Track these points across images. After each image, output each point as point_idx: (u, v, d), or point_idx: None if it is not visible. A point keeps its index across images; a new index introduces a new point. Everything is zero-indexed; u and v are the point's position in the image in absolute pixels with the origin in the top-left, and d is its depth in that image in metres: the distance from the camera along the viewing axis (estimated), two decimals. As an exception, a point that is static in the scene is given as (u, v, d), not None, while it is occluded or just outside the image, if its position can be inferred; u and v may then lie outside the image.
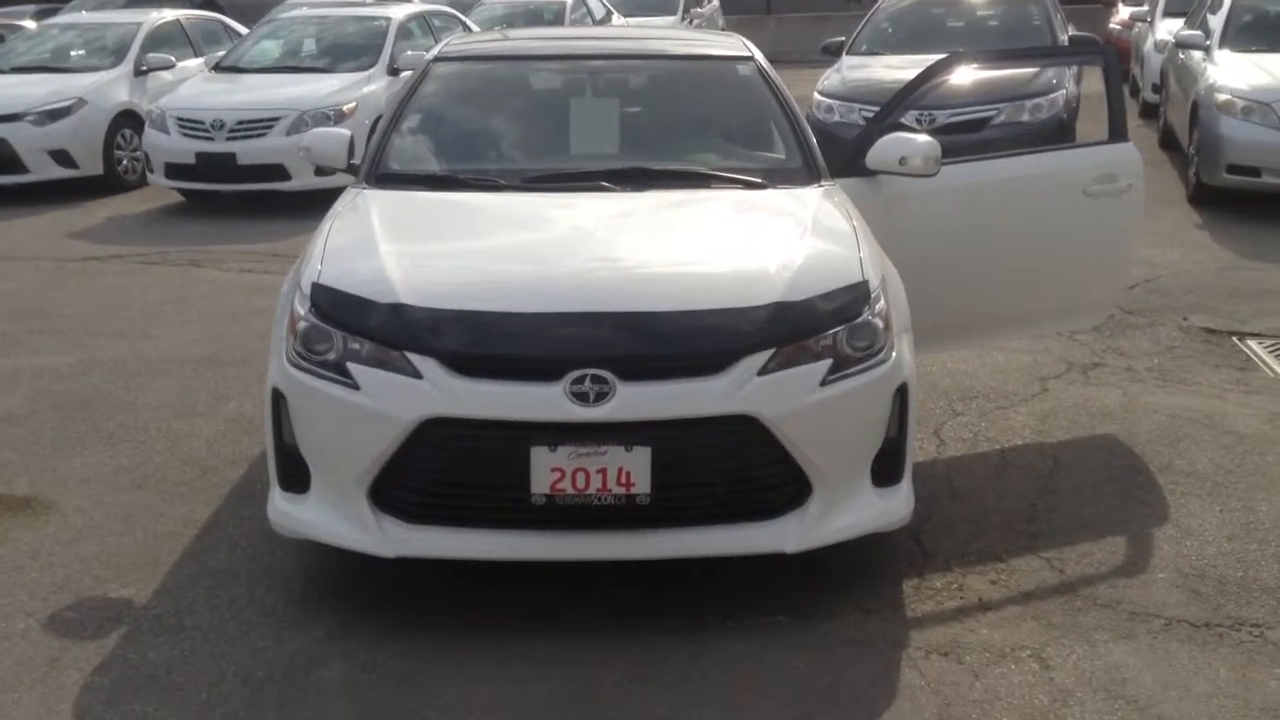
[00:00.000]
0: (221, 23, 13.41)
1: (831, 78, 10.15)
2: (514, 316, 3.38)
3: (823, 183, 4.40)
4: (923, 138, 4.55)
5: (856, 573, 3.76)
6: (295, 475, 3.51)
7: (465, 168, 4.47)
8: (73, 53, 11.99)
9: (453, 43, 5.44)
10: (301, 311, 3.54)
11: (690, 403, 3.29)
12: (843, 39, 11.00)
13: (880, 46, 10.82)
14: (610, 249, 3.78)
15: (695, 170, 4.39)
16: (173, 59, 11.76)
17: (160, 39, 12.15)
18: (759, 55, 5.01)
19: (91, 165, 10.86)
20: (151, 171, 10.27)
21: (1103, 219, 4.93)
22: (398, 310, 3.40)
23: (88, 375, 5.79)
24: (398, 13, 11.45)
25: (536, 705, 3.09)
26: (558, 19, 16.13)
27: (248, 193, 9.96)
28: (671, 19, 19.87)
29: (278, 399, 3.52)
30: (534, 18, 16.74)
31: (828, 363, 3.42)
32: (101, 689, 3.17)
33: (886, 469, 3.60)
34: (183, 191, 10.37)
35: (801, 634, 3.42)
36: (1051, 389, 5.55)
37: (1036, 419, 5.16)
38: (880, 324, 3.56)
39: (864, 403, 3.50)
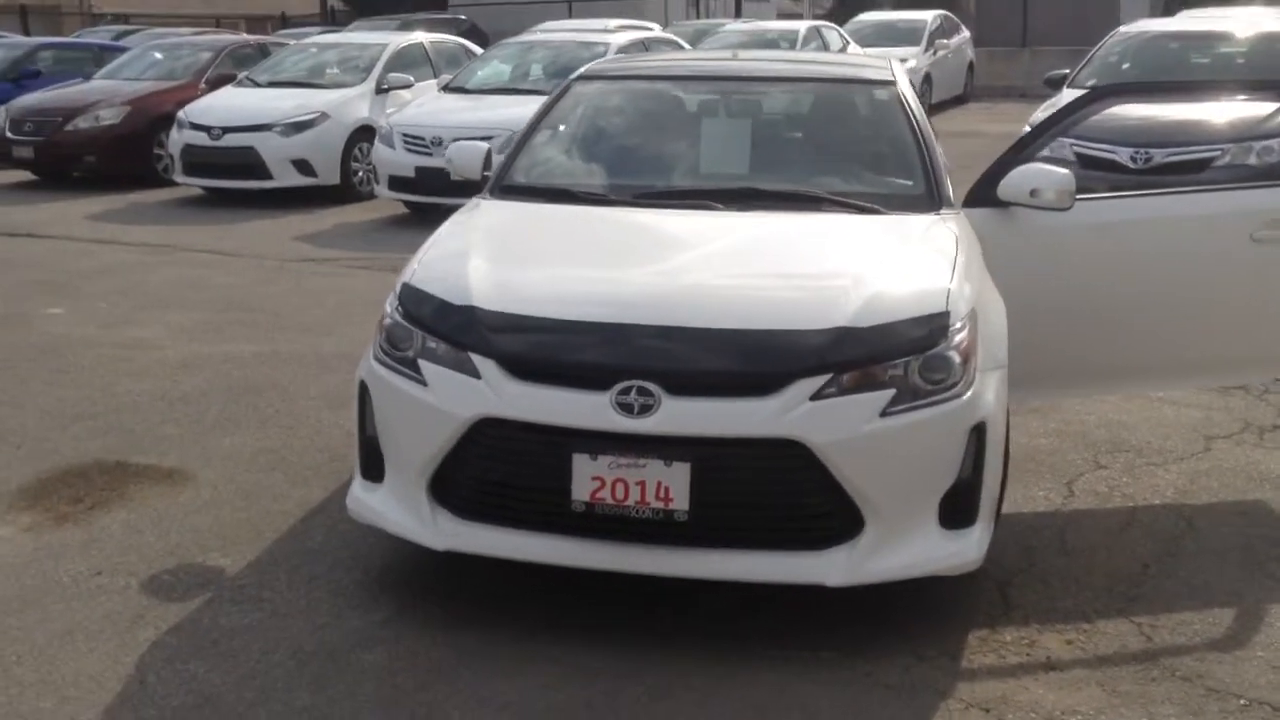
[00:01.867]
0: (464, 46, 14.12)
1: (1046, 110, 9.75)
2: (570, 324, 3.44)
3: (944, 211, 4.26)
4: (1059, 170, 4.35)
5: (923, 616, 3.61)
6: (373, 465, 3.68)
7: (582, 182, 4.57)
8: (326, 70, 12.89)
9: (600, 62, 5.57)
10: (389, 310, 3.72)
11: (734, 422, 3.25)
12: (1067, 71, 10.56)
13: (1108, 81, 10.30)
14: (686, 265, 3.78)
15: (806, 193, 4.34)
16: (411, 79, 12.46)
17: (404, 60, 12.91)
18: (903, 81, 4.91)
19: (329, 175, 11.66)
20: (378, 183, 10.92)
21: (1274, 267, 4.57)
22: (467, 312, 3.52)
23: (265, 365, 6.22)
24: (619, 38, 11.77)
25: (551, 709, 3.12)
26: (791, 49, 16.16)
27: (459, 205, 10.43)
28: (914, 49, 19.58)
29: (363, 392, 3.70)
30: (769, 46, 16.84)
31: (890, 393, 3.32)
32: (167, 647, 3.41)
33: (957, 510, 3.45)
34: (405, 203, 10.97)
35: (842, 671, 3.32)
36: (1215, 449, 5.16)
37: (1186, 479, 4.81)
38: (957, 358, 3.42)
39: (931, 438, 3.37)
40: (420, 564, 3.82)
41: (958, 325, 3.49)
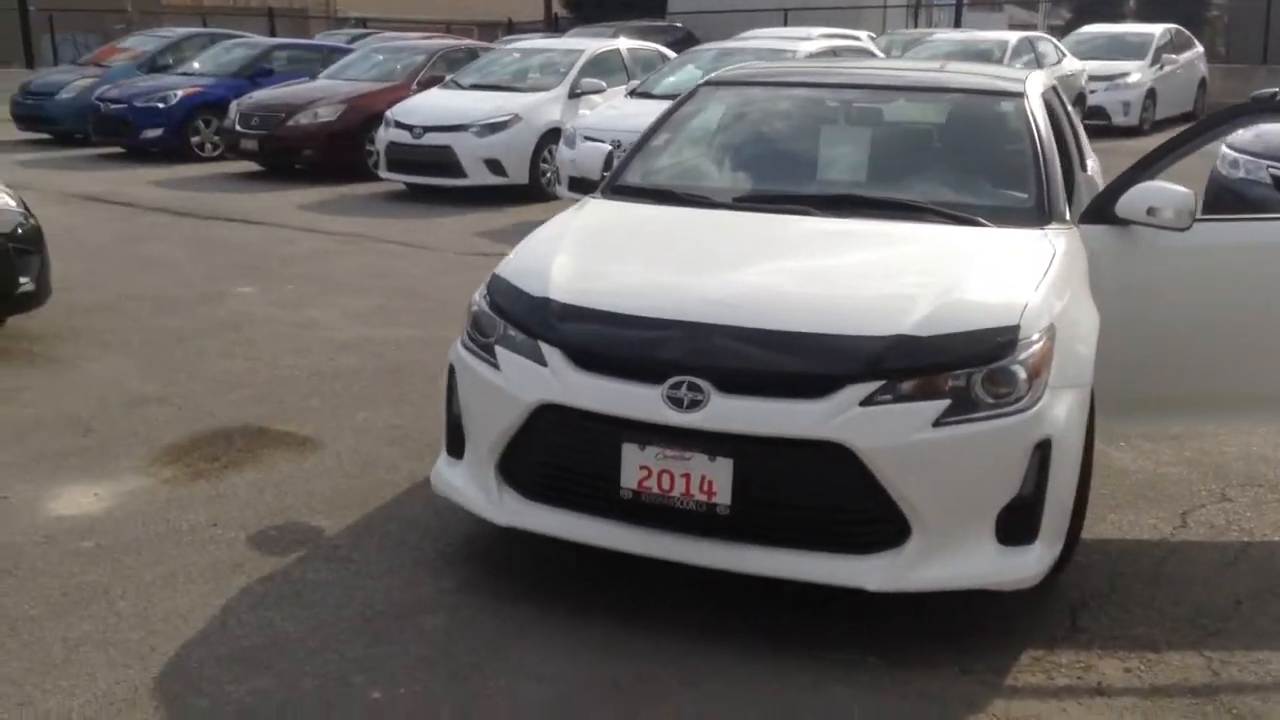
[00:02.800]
0: (659, 53, 14.38)
1: (1245, 131, 9.22)
2: (630, 318, 3.55)
3: (1053, 226, 4.17)
4: (1178, 189, 4.20)
5: (981, 632, 3.57)
6: (456, 443, 3.89)
7: (689, 184, 4.68)
8: (528, 74, 13.38)
9: (730, 69, 5.65)
10: (477, 298, 3.93)
11: (780, 422, 3.30)
12: (1276, 90, 9.95)
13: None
14: (759, 268, 3.84)
15: (907, 201, 4.32)
16: (603, 84, 12.79)
17: (600, 66, 13.27)
18: (1034, 94, 4.81)
19: (519, 174, 12.12)
20: (559, 183, 11.29)
21: None
22: (541, 303, 3.69)
23: (419, 348, 6.58)
24: (809, 46, 11.78)
25: (582, 685, 3.24)
26: (1000, 62, 15.76)
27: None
28: (1139, 63, 18.77)
29: (451, 374, 3.92)
30: (980, 58, 16.47)
31: (945, 404, 3.31)
32: (254, 594, 3.71)
33: (1015, 526, 3.40)
34: (584, 202, 11.27)
35: (881, 678, 3.32)
36: (1361, 489, 4.85)
37: (1316, 518, 4.54)
38: (1023, 373, 3.37)
39: (988, 451, 3.34)
40: (496, 540, 4.00)
41: (1030, 340, 3.43)
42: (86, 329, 6.95)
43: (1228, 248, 4.29)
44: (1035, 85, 4.93)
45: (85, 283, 8.18)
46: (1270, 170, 8.54)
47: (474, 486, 3.75)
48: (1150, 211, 4.19)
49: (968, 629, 3.58)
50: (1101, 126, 17.17)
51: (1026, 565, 3.40)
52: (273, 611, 3.60)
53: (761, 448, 3.32)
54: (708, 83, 5.23)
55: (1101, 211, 4.35)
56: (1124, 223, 4.28)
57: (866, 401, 3.29)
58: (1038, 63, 16.49)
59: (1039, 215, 4.23)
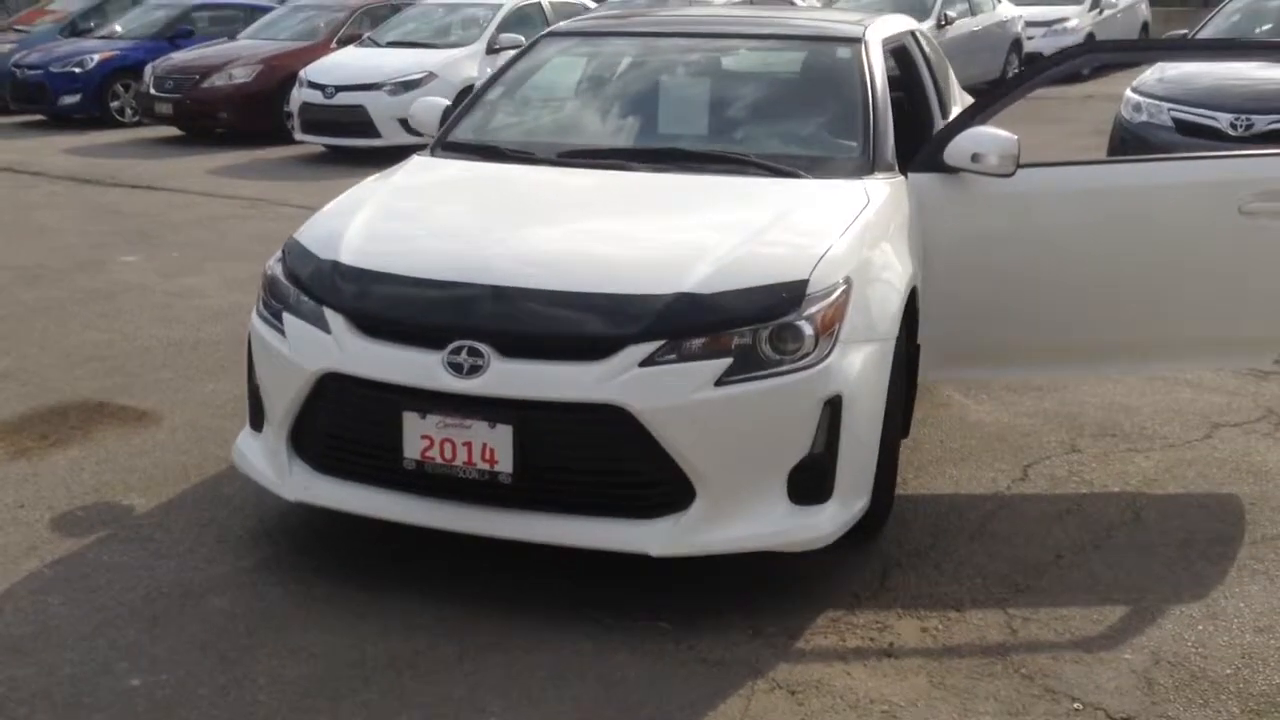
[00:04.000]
0: (584, 6, 14.14)
1: (1148, 74, 9.14)
2: (414, 280, 3.43)
3: (877, 176, 4.06)
4: (1001, 133, 4.09)
5: (782, 594, 3.50)
6: (257, 415, 3.77)
7: (515, 140, 4.55)
8: (450, 30, 13.13)
9: (572, 20, 5.50)
10: (271, 262, 3.80)
11: (558, 386, 3.19)
12: (1185, 32, 9.86)
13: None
14: (562, 227, 3.73)
15: (727, 154, 4.21)
16: (522, 39, 12.55)
17: (523, 20, 13.03)
18: (874, 41, 4.68)
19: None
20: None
21: (1266, 243, 4.22)
22: (327, 267, 3.57)
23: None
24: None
25: (356, 663, 3.14)
26: (929, 9, 15.54)
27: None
28: (1077, 8, 18.63)
29: (249, 343, 3.80)
30: (913, 7, 16.24)
31: (726, 362, 3.20)
32: (40, 579, 3.58)
33: (807, 485, 3.31)
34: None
35: (667, 643, 3.24)
36: (1217, 437, 4.81)
37: (1162, 468, 4.49)
38: (809, 329, 3.27)
39: (774, 410, 3.24)
40: (307, 516, 3.89)
41: (819, 294, 3.33)
42: (-49, 303, 6.77)
43: (1048, 194, 4.20)
44: (877, 32, 4.79)
45: (-36, 255, 7.99)
46: (1172, 113, 8.47)
47: (267, 460, 3.64)
48: (974, 158, 4.10)
49: (771, 592, 3.51)
50: (1038, 72, 17.01)
51: (819, 525, 3.32)
52: (53, 596, 3.49)
53: (541, 413, 3.21)
54: (550, 33, 5.08)
55: (932, 160, 4.24)
56: (953, 170, 4.19)
57: (646, 362, 3.19)
58: (970, 10, 16.30)
59: (865, 166, 4.12)
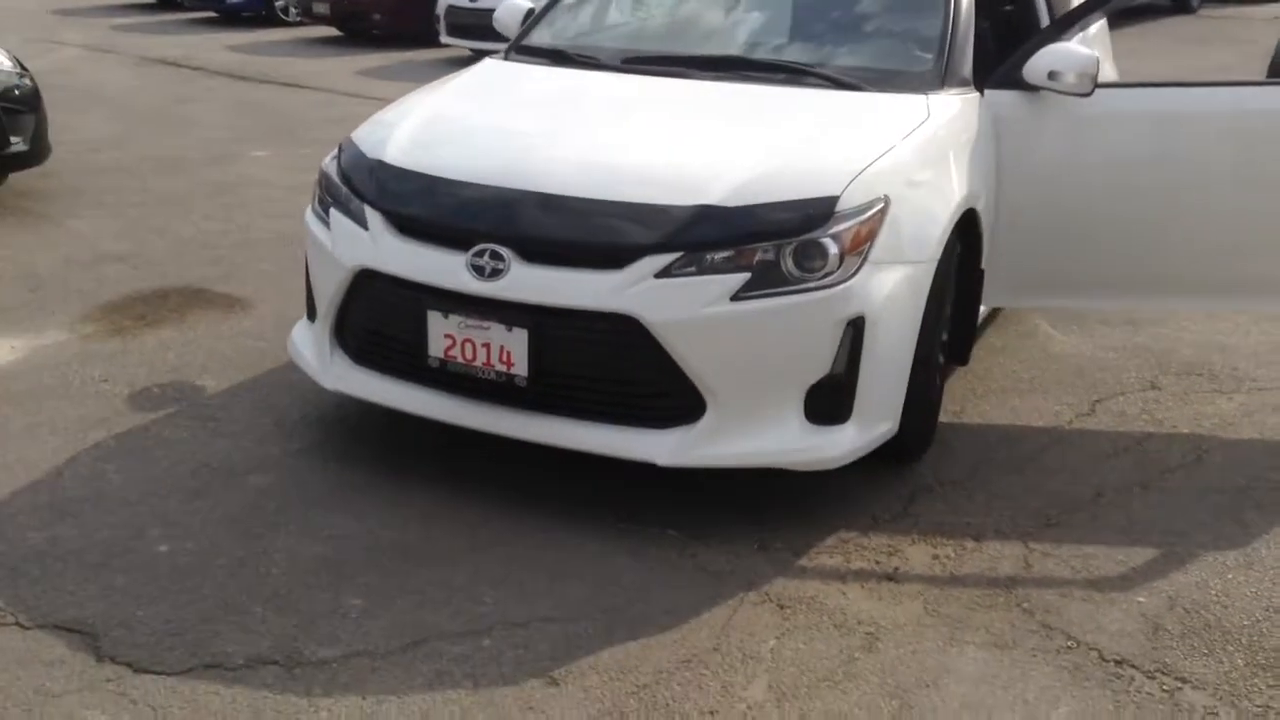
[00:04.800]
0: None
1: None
2: (449, 182, 3.48)
3: (947, 91, 3.91)
4: (1081, 50, 3.90)
5: (803, 511, 3.49)
6: (311, 306, 3.92)
7: (584, 45, 4.53)
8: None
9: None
10: (327, 159, 3.91)
11: (572, 293, 3.22)
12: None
13: None
14: (603, 133, 3.71)
15: (788, 64, 4.10)
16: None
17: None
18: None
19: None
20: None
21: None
22: (372, 165, 3.65)
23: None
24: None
25: (368, 547, 3.27)
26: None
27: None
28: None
29: (307, 236, 3.93)
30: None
31: (744, 277, 3.17)
32: (104, 449, 3.82)
33: (825, 405, 3.28)
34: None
35: (670, 552, 3.27)
36: (1312, 383, 4.53)
37: (1242, 413, 4.28)
38: (834, 246, 3.21)
39: (791, 327, 3.21)
40: (363, 409, 4.02)
41: (849, 211, 3.26)
42: (90, 188, 7.16)
43: (1127, 116, 3.98)
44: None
45: (113, 144, 8.43)
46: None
47: (313, 350, 3.78)
48: (1051, 75, 3.91)
49: (786, 509, 3.50)
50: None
51: (834, 444, 3.29)
52: (111, 465, 3.72)
53: (555, 319, 3.24)
54: (632, -62, 5.02)
55: (1011, 76, 4.06)
56: (1031, 88, 4.00)
57: (662, 273, 3.18)
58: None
59: (936, 81, 3.97)
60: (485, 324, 3.30)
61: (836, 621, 2.98)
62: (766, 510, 3.49)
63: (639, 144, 3.63)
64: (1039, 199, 4.06)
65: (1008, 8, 5.43)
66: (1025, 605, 3.07)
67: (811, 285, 3.20)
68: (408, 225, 3.47)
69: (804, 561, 3.25)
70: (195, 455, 3.79)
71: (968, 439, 4.02)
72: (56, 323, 4.95)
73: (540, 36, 4.65)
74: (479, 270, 3.30)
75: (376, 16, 13.59)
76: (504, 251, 3.29)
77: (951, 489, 3.68)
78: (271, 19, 15.65)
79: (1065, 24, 4.15)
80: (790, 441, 3.27)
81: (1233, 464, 3.88)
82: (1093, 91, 3.86)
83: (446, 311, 3.34)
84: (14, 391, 4.25)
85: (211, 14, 16.33)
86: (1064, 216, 4.08)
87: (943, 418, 4.09)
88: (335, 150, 3.94)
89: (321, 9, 13.92)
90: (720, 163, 3.41)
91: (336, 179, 3.76)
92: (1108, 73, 5.69)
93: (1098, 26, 5.82)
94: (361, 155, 3.74)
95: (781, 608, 3.04)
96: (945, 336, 3.90)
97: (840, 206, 3.26)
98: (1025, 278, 4.20)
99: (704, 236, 3.21)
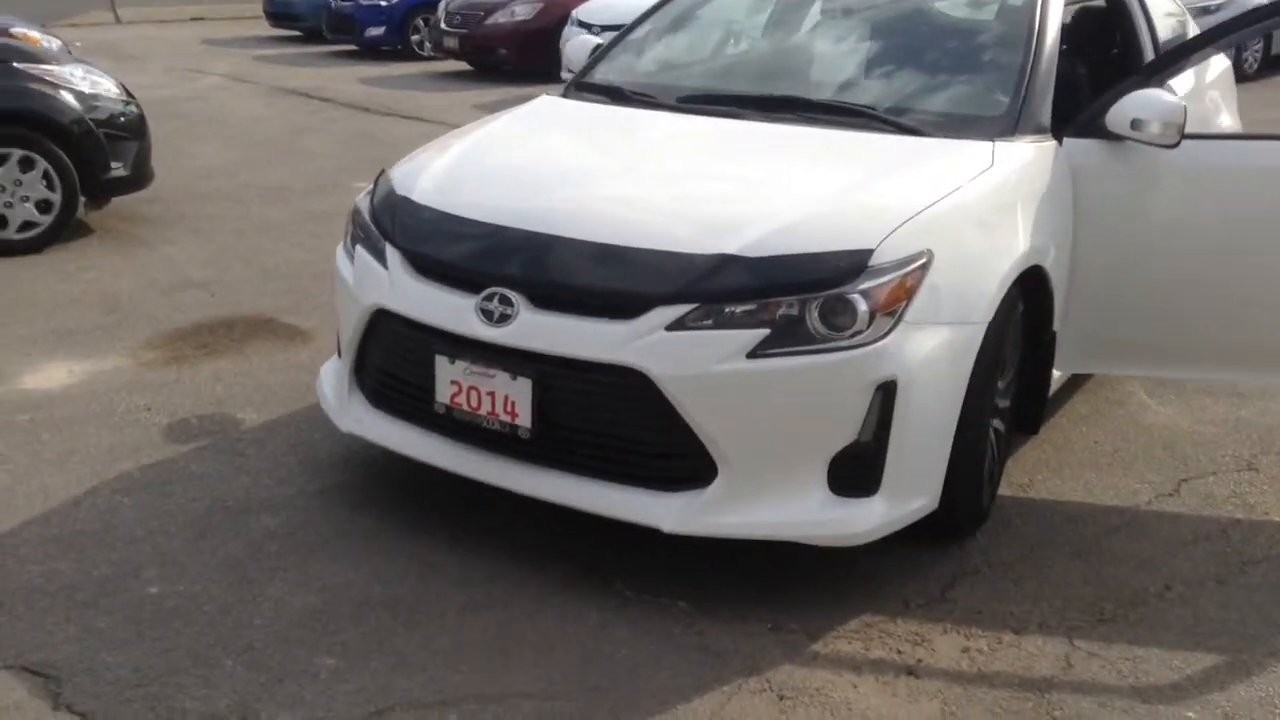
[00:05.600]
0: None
1: None
2: (466, 222, 3.34)
3: (1018, 139, 3.63)
4: (1168, 98, 3.58)
5: (826, 590, 3.22)
6: (339, 344, 3.82)
7: (643, 82, 4.35)
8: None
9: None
10: (361, 195, 3.81)
11: (579, 343, 3.03)
12: None
13: None
14: (629, 175, 3.53)
15: (847, 106, 3.86)
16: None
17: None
18: (1057, -14, 4.17)
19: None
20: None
21: None
22: (399, 203, 3.53)
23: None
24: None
25: (359, 601, 3.12)
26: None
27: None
28: None
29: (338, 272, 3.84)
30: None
31: (763, 333, 2.94)
32: (126, 479, 3.77)
33: (850, 475, 3.03)
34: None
35: (675, 627, 3.04)
36: None
37: (1350, 501, 3.84)
38: (864, 303, 2.96)
39: (814, 389, 2.96)
40: (391, 452, 3.90)
41: (884, 266, 3.00)
42: (190, 214, 7.29)
43: (1216, 170, 3.62)
44: (1067, -23, 4.26)
45: (224, 172, 8.60)
46: None
47: (335, 389, 3.68)
48: (1135, 124, 3.59)
49: (813, 586, 3.23)
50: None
51: (859, 519, 3.03)
52: (129, 498, 3.67)
53: (560, 369, 3.06)
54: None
55: (1092, 124, 3.75)
56: (1113, 137, 3.68)
57: (675, 325, 2.98)
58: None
59: (1004, 127, 3.69)
60: (490, 371, 3.14)
61: (839, 719, 2.71)
62: (790, 586, 3.23)
63: (670, 187, 3.44)
64: (1117, 257, 3.73)
65: (1114, 51, 5.09)
66: (1056, 713, 2.75)
67: (838, 345, 2.95)
68: (423, 265, 3.34)
69: (818, 646, 2.99)
70: (213, 491, 3.72)
71: (1030, 516, 3.69)
72: (120, 348, 4.98)
73: (603, 73, 4.51)
74: (488, 315, 3.15)
75: (502, 51, 13.72)
76: (514, 296, 3.13)
77: (1000, 573, 3.36)
78: (408, 53, 15.95)
79: (1156, 69, 3.81)
80: (810, 514, 3.02)
81: (1328, 561, 3.47)
82: (1179, 143, 3.53)
83: (453, 357, 3.19)
84: (57, 417, 4.26)
85: (353, 47, 16.74)
86: (1144, 278, 3.74)
87: (1007, 491, 3.79)
88: (370, 185, 3.85)
89: (451, 43, 14.11)
90: (752, 209, 3.20)
91: (366, 215, 3.66)
92: (1227, 124, 5.29)
93: (1219, 73, 5.42)
94: (391, 191, 3.64)
95: (781, 698, 2.78)
96: (1006, 403, 3.59)
97: (875, 260, 3.01)
98: (1101, 342, 3.87)
99: (722, 287, 2.99)
